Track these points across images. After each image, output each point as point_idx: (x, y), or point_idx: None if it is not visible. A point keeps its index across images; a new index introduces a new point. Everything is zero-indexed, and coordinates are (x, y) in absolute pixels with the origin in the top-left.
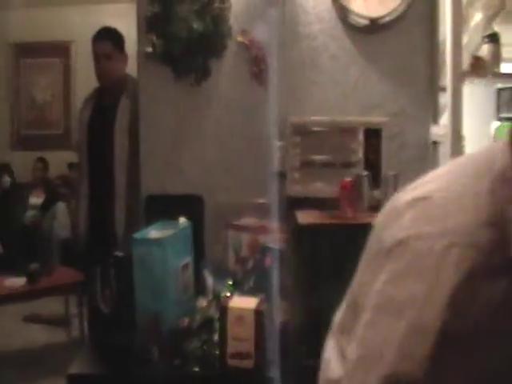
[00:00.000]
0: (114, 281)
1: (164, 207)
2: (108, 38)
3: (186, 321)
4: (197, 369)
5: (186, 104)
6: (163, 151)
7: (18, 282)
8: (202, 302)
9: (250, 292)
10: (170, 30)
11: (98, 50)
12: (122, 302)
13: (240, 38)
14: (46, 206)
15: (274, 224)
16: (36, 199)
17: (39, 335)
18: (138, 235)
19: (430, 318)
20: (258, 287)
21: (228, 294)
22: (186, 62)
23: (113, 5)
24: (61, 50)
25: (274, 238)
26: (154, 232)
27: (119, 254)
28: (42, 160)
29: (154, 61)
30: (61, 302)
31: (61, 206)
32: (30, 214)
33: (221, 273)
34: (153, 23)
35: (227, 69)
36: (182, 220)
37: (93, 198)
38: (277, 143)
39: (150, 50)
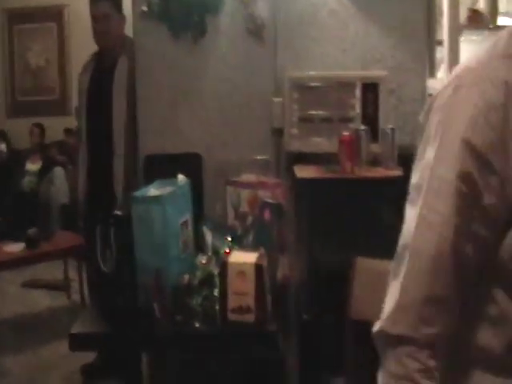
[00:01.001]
0: (113, 240)
1: (163, 166)
2: None
3: (187, 277)
4: (198, 324)
5: (183, 62)
6: (161, 110)
7: (17, 247)
8: (202, 259)
9: (250, 247)
10: None
11: (95, 11)
12: (122, 261)
13: None
14: (44, 172)
15: (273, 180)
16: (33, 165)
17: (39, 300)
18: (136, 193)
19: (445, 169)
20: (258, 242)
21: (227, 250)
22: (183, 20)
23: None
24: (54, 14)
25: (273, 194)
26: (152, 190)
27: (118, 213)
28: (38, 126)
29: (150, 20)
30: (60, 267)
31: (58, 172)
32: (27, 180)
33: (220, 229)
34: None
35: (224, 26)
36: (181, 177)
37: (92, 162)
38: (275, 99)
39: (145, 8)
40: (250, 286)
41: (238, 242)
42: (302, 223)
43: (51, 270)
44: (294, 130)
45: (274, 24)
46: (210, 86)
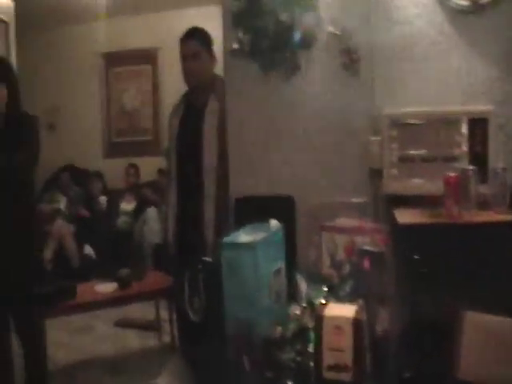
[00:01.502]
0: (202, 287)
1: (254, 209)
2: (195, 38)
3: (279, 330)
4: (290, 381)
5: (274, 101)
6: (252, 151)
7: (109, 287)
8: (296, 310)
9: (347, 298)
10: (256, 24)
11: (185, 50)
12: (210, 310)
13: (330, 28)
14: (138, 212)
15: (372, 224)
16: (127, 205)
17: (131, 340)
18: (226, 239)
19: None
20: (356, 293)
21: (323, 301)
22: (274, 57)
23: (198, 8)
24: (148, 57)
25: (373, 240)
26: (243, 236)
27: (207, 259)
28: (133, 166)
29: (241, 57)
30: (152, 307)
31: (151, 212)
32: (122, 219)
33: (315, 278)
34: (238, 18)
35: (317, 61)
36: (273, 222)
37: (182, 203)
38: (372, 138)
39: (236, 46)
40: (347, 342)
41: (335, 293)
42: (404, 272)
43: (143, 310)
44: (394, 171)
45: (371, 58)
46: (303, 125)
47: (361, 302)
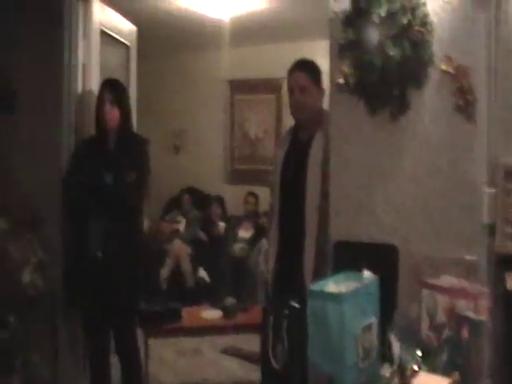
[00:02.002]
0: (285, 334)
1: (353, 256)
2: (303, 70)
3: None
4: None
5: (381, 141)
6: (355, 192)
7: (214, 314)
8: (386, 372)
9: (443, 369)
10: (363, 58)
11: (292, 82)
12: (292, 359)
13: (444, 66)
14: (254, 241)
15: (477, 288)
16: (245, 233)
17: (235, 369)
18: (314, 287)
19: None
20: (452, 364)
21: (415, 368)
22: (382, 94)
23: (312, 42)
24: (273, 86)
25: (475, 306)
26: (332, 285)
27: (295, 304)
28: (252, 195)
29: (347, 93)
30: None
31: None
32: (238, 246)
33: (411, 340)
34: (345, 51)
35: (429, 101)
36: (367, 274)
37: (283, 241)
38: (486, 189)
39: (341, 81)
40: None
41: (430, 360)
42: (509, 346)
43: (250, 341)
44: (508, 229)
45: (489, 99)
46: (410, 169)
47: (456, 375)
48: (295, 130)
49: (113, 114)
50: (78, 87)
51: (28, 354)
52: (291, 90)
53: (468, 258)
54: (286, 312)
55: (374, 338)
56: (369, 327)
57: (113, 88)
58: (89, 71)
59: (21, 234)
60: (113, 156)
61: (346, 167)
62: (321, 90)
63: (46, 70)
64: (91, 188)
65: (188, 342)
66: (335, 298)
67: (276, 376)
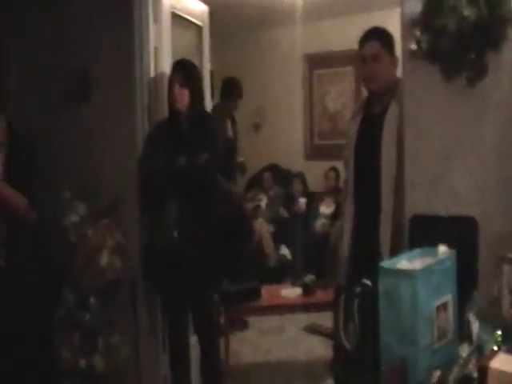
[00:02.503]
0: (357, 313)
1: (431, 229)
2: (375, 38)
3: (437, 375)
4: None
5: (457, 109)
6: (432, 164)
7: (293, 292)
8: (464, 352)
9: None
10: (436, 21)
11: (364, 51)
12: (364, 339)
13: None
14: (336, 216)
15: None
16: (326, 208)
17: (316, 347)
18: (385, 264)
19: None
20: None
21: (495, 348)
22: (457, 59)
23: (386, 10)
24: (350, 58)
25: None
26: (404, 262)
27: (367, 282)
28: (333, 170)
29: (420, 60)
30: None
31: None
32: (319, 222)
33: (492, 319)
34: (418, 16)
35: (508, 64)
36: (443, 249)
37: (358, 217)
38: None
39: (414, 47)
40: None
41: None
42: None
43: (330, 319)
44: None
45: None
46: (490, 138)
47: None
48: (368, 102)
49: (182, 95)
50: (151, 71)
51: (109, 335)
52: (364, 60)
53: None
54: (358, 290)
55: (450, 317)
56: (444, 306)
57: (182, 69)
58: (160, 54)
59: (99, 219)
60: (185, 137)
61: (422, 137)
62: (394, 59)
63: (119, 56)
64: (165, 170)
65: (270, 321)
66: (407, 275)
67: (348, 355)
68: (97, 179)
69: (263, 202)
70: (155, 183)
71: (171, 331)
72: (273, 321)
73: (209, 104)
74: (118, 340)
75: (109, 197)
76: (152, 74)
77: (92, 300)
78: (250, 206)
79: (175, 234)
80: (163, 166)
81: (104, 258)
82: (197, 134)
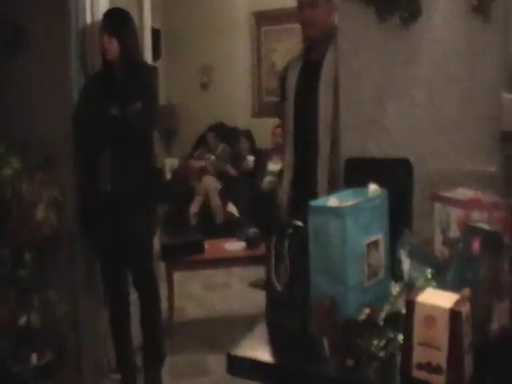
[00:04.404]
0: (287, 254)
1: (365, 172)
2: None
3: (367, 311)
4: (372, 375)
5: (391, 50)
6: (366, 106)
7: (238, 245)
8: (394, 291)
9: (452, 285)
10: None
11: None
12: (294, 280)
13: None
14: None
15: (494, 198)
16: (274, 165)
17: (263, 301)
18: (314, 202)
19: None
20: (462, 280)
21: (424, 285)
22: (391, 0)
23: None
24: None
25: (490, 217)
26: (334, 200)
27: (299, 223)
28: (280, 126)
29: (354, 2)
30: None
31: None
32: (267, 179)
33: (422, 256)
34: None
35: (441, 4)
36: (373, 188)
37: (297, 164)
38: (506, 95)
39: None
40: (442, 337)
41: (441, 277)
42: None
43: None
44: None
45: None
46: (423, 78)
47: (466, 291)
48: (307, 50)
49: (111, 45)
50: (87, 19)
51: (46, 291)
52: (301, 6)
53: (484, 169)
54: (289, 231)
55: (381, 255)
56: (375, 244)
57: (112, 18)
58: (97, 3)
59: (34, 173)
60: (118, 86)
61: (356, 80)
62: (332, 5)
63: (53, 5)
64: (98, 121)
65: (215, 276)
66: (336, 212)
67: (279, 298)
68: (31, 132)
69: (210, 160)
70: (87, 133)
71: (110, 287)
72: (218, 276)
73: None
74: (56, 297)
75: (43, 151)
76: (88, 23)
77: (27, 256)
78: (195, 164)
79: (108, 189)
80: (96, 115)
81: (40, 213)
82: (130, 83)
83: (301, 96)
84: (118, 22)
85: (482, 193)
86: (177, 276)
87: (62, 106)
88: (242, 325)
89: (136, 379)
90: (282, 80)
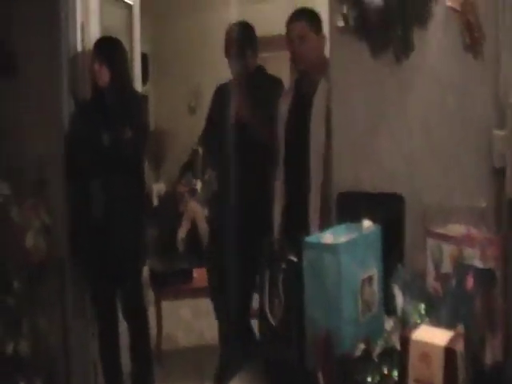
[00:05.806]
0: (282, 289)
1: (358, 206)
2: (301, 19)
3: (362, 347)
4: None
5: (385, 85)
6: (359, 140)
7: None
8: (388, 326)
9: (446, 321)
10: None
11: (290, 33)
12: (289, 314)
13: (449, 2)
14: None
15: (485, 234)
16: None
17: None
18: (309, 238)
19: None
20: (456, 317)
21: (418, 321)
22: (384, 35)
23: None
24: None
25: (483, 254)
26: (328, 236)
27: (293, 258)
28: None
29: (347, 36)
30: None
31: None
32: None
33: (416, 291)
34: None
35: (434, 41)
36: (367, 223)
37: (289, 195)
38: (496, 132)
39: (341, 23)
40: (437, 374)
41: (435, 312)
42: None
43: None
44: None
45: (497, 35)
46: (416, 114)
47: (461, 327)
48: (298, 82)
49: (102, 73)
50: (78, 46)
51: (35, 319)
52: (291, 41)
53: (477, 204)
54: (284, 266)
55: (375, 290)
56: (369, 279)
57: (102, 46)
58: (88, 30)
59: (24, 198)
60: (109, 114)
61: (350, 114)
62: (321, 38)
63: (45, 30)
64: (89, 148)
65: (205, 303)
66: (331, 249)
67: (273, 332)
68: (21, 157)
69: (197, 185)
70: (79, 161)
71: (100, 316)
72: (207, 303)
73: (139, 87)
74: (45, 324)
75: (34, 176)
76: (79, 49)
77: (16, 283)
78: (182, 189)
79: (99, 216)
80: (88, 144)
81: (30, 240)
82: (120, 112)
83: (292, 127)
84: (109, 50)
85: (474, 228)
86: (165, 303)
87: (53, 132)
88: None
89: None
90: (214, 103)
